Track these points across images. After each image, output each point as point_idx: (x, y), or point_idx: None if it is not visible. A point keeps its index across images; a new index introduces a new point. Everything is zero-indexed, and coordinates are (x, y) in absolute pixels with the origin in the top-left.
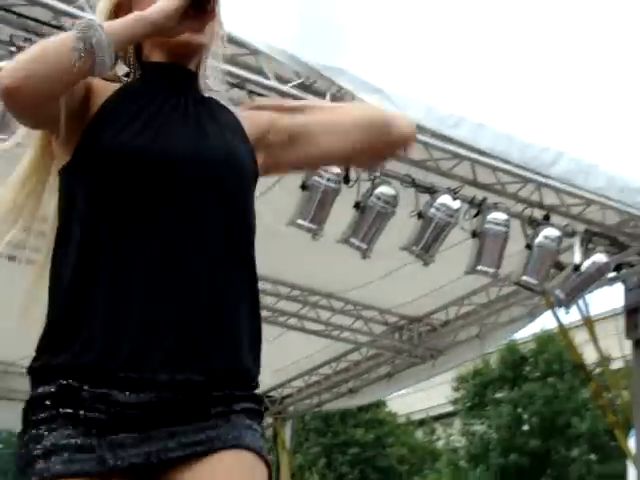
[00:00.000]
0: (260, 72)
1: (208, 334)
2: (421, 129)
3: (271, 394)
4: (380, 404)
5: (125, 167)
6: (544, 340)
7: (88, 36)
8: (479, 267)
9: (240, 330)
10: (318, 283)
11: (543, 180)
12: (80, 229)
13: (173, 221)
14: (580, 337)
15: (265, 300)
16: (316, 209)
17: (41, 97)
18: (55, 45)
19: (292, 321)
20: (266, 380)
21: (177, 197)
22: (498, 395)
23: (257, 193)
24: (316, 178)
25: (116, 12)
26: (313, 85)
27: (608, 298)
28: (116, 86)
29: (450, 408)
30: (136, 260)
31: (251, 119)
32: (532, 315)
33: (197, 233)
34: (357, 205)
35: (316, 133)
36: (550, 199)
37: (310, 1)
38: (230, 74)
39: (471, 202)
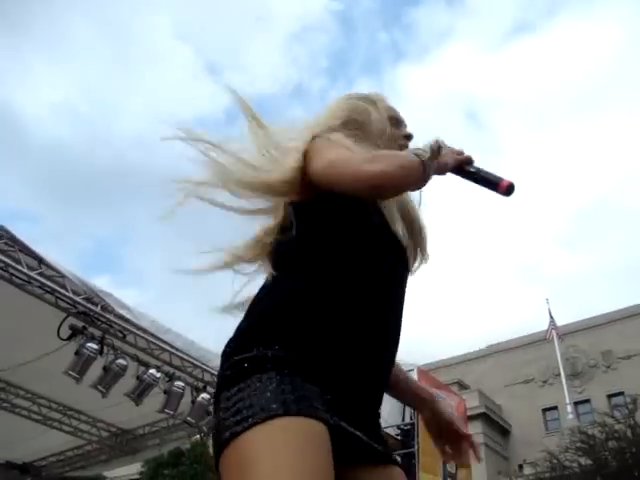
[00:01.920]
0: (64, 287)
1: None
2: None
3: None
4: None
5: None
6: None
7: (430, 170)
8: (166, 410)
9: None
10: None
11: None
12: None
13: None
14: None
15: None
16: (81, 366)
17: (397, 192)
18: (411, 165)
19: (56, 424)
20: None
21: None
22: None
23: None
24: (84, 350)
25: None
26: (94, 298)
27: None
28: None
29: None
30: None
31: None
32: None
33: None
34: (104, 368)
35: None
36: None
37: None
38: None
39: (167, 374)
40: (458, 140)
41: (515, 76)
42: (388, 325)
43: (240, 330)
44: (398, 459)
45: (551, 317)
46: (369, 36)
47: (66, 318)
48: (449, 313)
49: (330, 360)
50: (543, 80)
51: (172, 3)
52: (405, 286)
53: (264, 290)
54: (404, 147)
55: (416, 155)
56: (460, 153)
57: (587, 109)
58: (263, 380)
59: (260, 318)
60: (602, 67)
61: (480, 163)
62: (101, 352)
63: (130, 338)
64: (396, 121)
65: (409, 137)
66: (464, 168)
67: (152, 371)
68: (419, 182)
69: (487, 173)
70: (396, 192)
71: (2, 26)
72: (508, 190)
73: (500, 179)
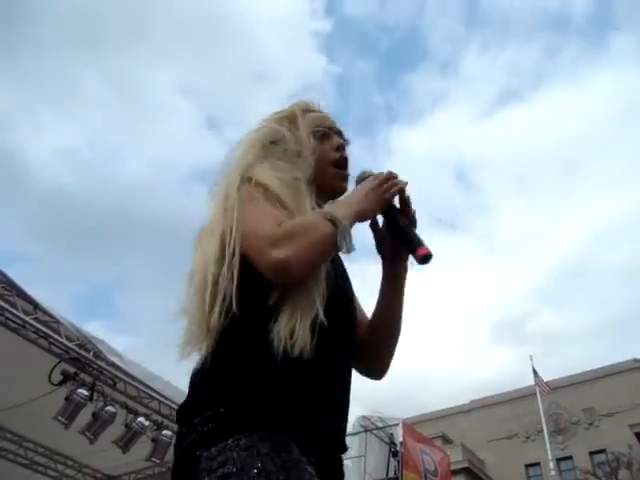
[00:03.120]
0: (58, 332)
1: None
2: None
3: None
4: None
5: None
6: None
7: (347, 235)
8: (153, 458)
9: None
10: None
11: None
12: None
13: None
14: None
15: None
16: (70, 412)
17: (308, 275)
18: (322, 240)
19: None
20: None
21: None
22: None
23: None
24: (74, 395)
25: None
26: (87, 345)
27: None
28: None
29: None
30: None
31: None
32: None
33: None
34: (94, 414)
35: None
36: None
37: None
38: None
39: (155, 422)
40: (447, 200)
41: (503, 140)
42: (345, 379)
43: (209, 382)
44: None
45: (536, 373)
46: (364, 98)
47: (58, 363)
48: (435, 368)
49: (303, 417)
50: (529, 145)
51: (177, 60)
52: (353, 331)
53: (226, 339)
54: (338, 162)
55: (331, 221)
56: (388, 189)
57: (569, 172)
58: (253, 439)
59: (230, 370)
60: (583, 134)
61: (466, 221)
62: (91, 398)
63: (120, 385)
64: (323, 134)
65: (340, 148)
66: (390, 212)
67: (141, 419)
68: (333, 249)
69: (409, 230)
70: (306, 274)
71: (12, 74)
72: (424, 258)
73: (420, 244)
